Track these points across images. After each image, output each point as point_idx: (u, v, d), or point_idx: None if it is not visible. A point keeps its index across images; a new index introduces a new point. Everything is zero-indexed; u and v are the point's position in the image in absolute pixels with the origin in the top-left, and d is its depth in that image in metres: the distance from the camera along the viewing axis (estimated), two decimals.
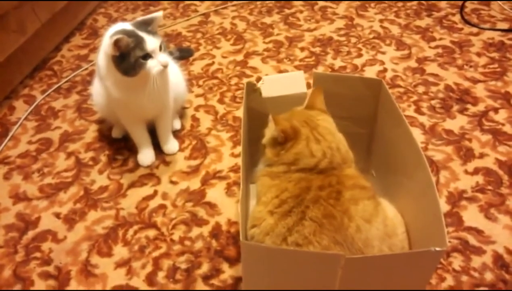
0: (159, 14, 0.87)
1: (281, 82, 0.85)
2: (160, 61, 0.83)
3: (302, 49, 1.37)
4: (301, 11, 1.58)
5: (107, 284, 0.77)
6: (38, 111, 1.20)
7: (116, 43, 0.79)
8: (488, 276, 0.75)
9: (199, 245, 0.83)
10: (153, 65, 0.83)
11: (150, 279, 0.78)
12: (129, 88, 0.87)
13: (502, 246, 0.79)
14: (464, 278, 0.75)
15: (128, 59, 0.81)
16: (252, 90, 0.81)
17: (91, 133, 1.12)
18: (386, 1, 1.59)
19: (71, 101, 1.23)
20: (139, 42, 0.81)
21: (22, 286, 0.78)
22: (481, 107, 1.09)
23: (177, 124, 1.10)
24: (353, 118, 0.80)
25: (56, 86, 1.29)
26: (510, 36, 1.35)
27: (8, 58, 1.20)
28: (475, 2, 1.55)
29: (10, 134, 1.12)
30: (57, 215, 0.91)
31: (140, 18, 0.87)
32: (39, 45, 1.36)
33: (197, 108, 1.17)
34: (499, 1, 1.52)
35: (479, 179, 0.91)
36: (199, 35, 1.48)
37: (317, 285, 0.55)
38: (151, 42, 0.82)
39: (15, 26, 1.23)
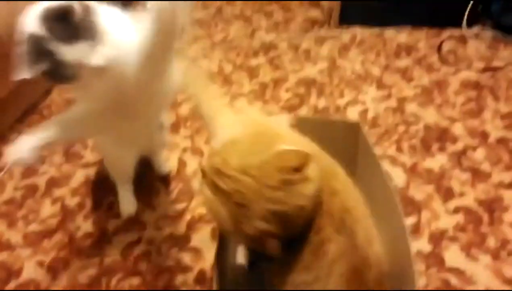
0: None
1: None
2: None
3: (286, 90, 1.42)
4: (286, 54, 1.64)
5: None
6: None
7: None
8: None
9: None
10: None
11: None
12: None
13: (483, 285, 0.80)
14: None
15: None
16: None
17: (78, 178, 1.12)
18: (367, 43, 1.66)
19: (58, 146, 1.24)
20: None
21: None
22: (459, 145, 1.13)
23: (165, 167, 1.11)
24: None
25: None
26: (486, 75, 1.41)
27: None
28: (452, 41, 1.62)
29: None
30: (41, 264, 0.90)
31: None
32: (30, 89, 1.38)
33: (184, 150, 1.19)
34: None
35: (460, 218, 0.93)
36: None
37: None
38: None
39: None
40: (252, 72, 1.52)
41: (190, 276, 0.85)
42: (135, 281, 0.85)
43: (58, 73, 0.65)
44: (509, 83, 1.36)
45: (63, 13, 0.62)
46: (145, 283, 0.84)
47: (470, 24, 1.68)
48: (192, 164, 1.14)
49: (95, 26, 0.64)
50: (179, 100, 1.39)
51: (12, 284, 0.86)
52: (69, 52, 0.62)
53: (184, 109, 1.35)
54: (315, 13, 1.90)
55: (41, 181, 1.12)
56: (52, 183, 1.11)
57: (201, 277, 0.85)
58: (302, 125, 0.83)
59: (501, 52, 1.53)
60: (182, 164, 1.14)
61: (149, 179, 1.10)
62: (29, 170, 1.16)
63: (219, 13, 1.97)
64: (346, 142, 0.84)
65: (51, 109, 1.41)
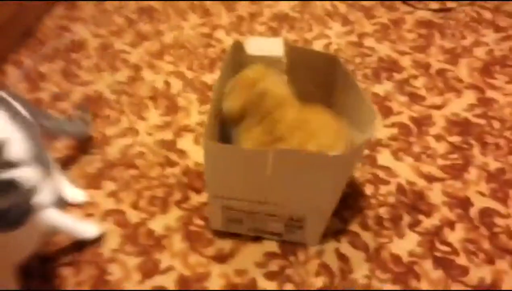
0: None
1: (263, 44, 1.01)
2: None
3: (261, 24, 1.57)
4: None
5: (99, 210, 0.99)
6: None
7: None
8: (391, 199, 1.00)
9: (172, 180, 1.05)
10: None
11: (135, 205, 0.99)
12: None
13: (403, 178, 1.05)
14: (373, 200, 1.00)
15: None
16: (239, 48, 0.96)
17: (77, 95, 1.29)
18: None
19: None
20: None
21: None
22: (404, 75, 1.33)
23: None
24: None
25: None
26: (438, 15, 1.59)
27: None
28: None
29: None
30: (55, 160, 1.10)
31: None
32: (23, 15, 1.50)
33: (168, 74, 1.36)
34: None
35: (394, 130, 1.16)
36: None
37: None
38: None
39: None
40: (230, 6, 1.66)
41: (177, 169, 1.07)
42: (132, 172, 1.06)
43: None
44: (457, 23, 1.55)
45: None
46: (141, 173, 1.06)
47: None
48: (176, 85, 1.31)
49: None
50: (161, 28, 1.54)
51: None
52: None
53: (168, 38, 1.50)
54: None
55: (44, 95, 1.28)
56: (55, 98, 1.28)
57: (186, 170, 1.07)
58: (290, 52, 0.98)
59: None
60: (167, 84, 1.32)
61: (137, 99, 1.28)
62: (34, 86, 1.31)
63: None
64: (325, 70, 0.95)
65: (45, 33, 1.53)
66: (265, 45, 1.01)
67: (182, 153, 1.11)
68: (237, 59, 0.97)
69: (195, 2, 1.68)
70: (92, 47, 1.46)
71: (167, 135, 1.16)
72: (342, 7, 1.65)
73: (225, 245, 0.93)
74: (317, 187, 0.80)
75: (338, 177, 0.80)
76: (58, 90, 1.30)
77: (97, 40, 1.49)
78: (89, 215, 0.98)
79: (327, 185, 0.80)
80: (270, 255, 0.91)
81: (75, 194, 1.00)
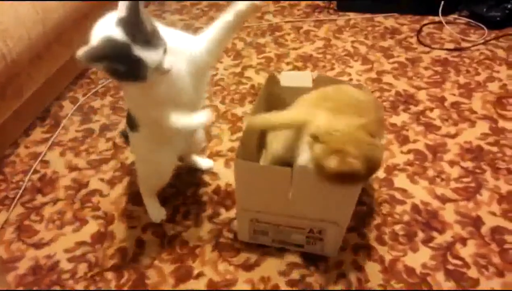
0: None
1: (294, 77, 1.15)
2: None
3: (287, 64, 1.73)
4: (289, 34, 1.94)
5: (141, 222, 1.11)
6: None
7: None
8: (406, 218, 1.08)
9: (205, 198, 1.17)
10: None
11: (170, 219, 1.11)
12: None
13: (418, 200, 1.12)
14: (389, 218, 1.08)
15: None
16: (274, 80, 1.11)
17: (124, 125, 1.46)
18: (358, 26, 1.95)
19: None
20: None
21: (80, 225, 1.12)
22: (420, 107, 1.43)
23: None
24: None
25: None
26: (453, 54, 1.70)
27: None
28: (431, 26, 1.91)
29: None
30: (102, 180, 1.25)
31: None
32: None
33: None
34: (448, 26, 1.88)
35: (410, 156, 1.25)
36: None
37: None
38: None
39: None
40: (260, 49, 1.84)
41: (210, 189, 1.19)
42: (170, 191, 1.19)
43: (134, 73, 0.73)
44: (471, 61, 1.66)
45: (138, 22, 0.71)
46: (178, 191, 1.18)
47: (449, 12, 1.96)
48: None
49: (160, 35, 0.75)
50: None
51: (83, 192, 1.21)
52: (150, 57, 0.73)
53: None
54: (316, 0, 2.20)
55: (95, 126, 1.46)
56: (104, 128, 1.45)
57: (217, 190, 1.19)
58: (319, 81, 1.11)
59: (471, 36, 1.82)
60: None
61: None
62: (86, 119, 1.50)
63: None
64: None
65: (97, 75, 1.75)
66: (296, 78, 1.14)
67: (214, 175, 1.24)
68: (271, 90, 1.11)
69: (228, 46, 1.87)
70: None
71: None
72: (362, 48, 1.80)
73: (252, 255, 1.02)
74: (334, 200, 0.89)
75: (352, 190, 0.90)
76: (107, 122, 1.48)
77: None
78: (133, 227, 1.11)
79: (343, 197, 0.89)
80: (293, 265, 1.00)
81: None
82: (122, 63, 0.72)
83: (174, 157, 1.04)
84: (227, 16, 0.83)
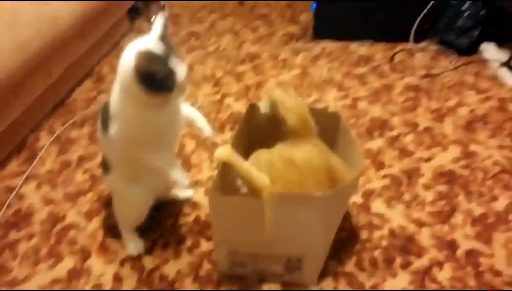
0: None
1: None
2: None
3: (266, 90, 1.76)
4: (267, 62, 1.99)
5: (117, 257, 1.10)
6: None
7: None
8: (384, 243, 1.09)
9: (184, 228, 1.16)
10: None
11: (149, 252, 1.10)
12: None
13: (396, 224, 1.14)
14: (368, 244, 1.09)
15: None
16: (254, 109, 1.11)
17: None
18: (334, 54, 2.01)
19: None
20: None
21: (55, 261, 1.09)
22: (395, 132, 1.48)
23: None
24: None
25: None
26: (425, 80, 1.77)
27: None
28: (403, 53, 1.98)
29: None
30: (79, 213, 1.23)
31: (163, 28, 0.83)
32: (56, 89, 1.72)
33: (183, 135, 1.52)
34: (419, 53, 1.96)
35: (386, 181, 1.28)
36: None
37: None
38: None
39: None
40: (239, 77, 1.87)
41: (189, 219, 1.19)
42: (148, 222, 1.17)
43: (166, 82, 0.80)
44: (442, 87, 1.72)
45: (168, 38, 0.82)
46: (157, 222, 1.17)
47: (420, 39, 2.05)
48: (189, 145, 1.47)
49: (178, 50, 0.84)
50: None
51: (59, 226, 1.19)
52: (180, 70, 0.82)
53: None
54: (293, 29, 2.27)
55: (73, 157, 1.45)
56: (82, 159, 1.44)
57: (197, 220, 1.18)
58: None
59: (441, 63, 1.90)
60: (182, 145, 1.48)
61: None
62: (63, 150, 1.48)
63: (212, 27, 2.33)
64: (328, 125, 1.09)
65: (76, 105, 1.74)
66: None
67: (194, 205, 1.24)
68: (252, 119, 1.13)
69: (208, 74, 1.89)
70: None
71: None
72: (337, 75, 1.85)
73: (232, 286, 1.01)
74: (311, 227, 0.90)
75: (328, 216, 0.91)
76: (85, 153, 1.47)
77: None
78: (110, 262, 1.09)
79: (319, 224, 0.90)
80: None
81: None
82: (162, 71, 0.79)
83: (150, 198, 1.05)
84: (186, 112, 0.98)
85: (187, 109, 0.98)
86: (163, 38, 0.81)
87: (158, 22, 0.82)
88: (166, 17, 0.83)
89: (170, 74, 0.80)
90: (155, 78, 0.78)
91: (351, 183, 0.93)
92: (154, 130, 0.88)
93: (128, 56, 0.80)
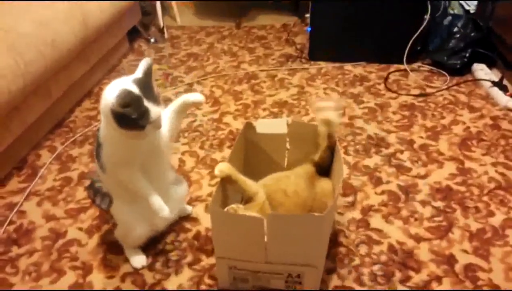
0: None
1: (270, 124, 1.22)
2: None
3: (264, 109, 1.80)
4: (265, 82, 2.03)
5: (119, 272, 1.10)
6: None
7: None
8: (383, 258, 1.10)
9: (185, 244, 1.17)
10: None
11: (150, 267, 1.10)
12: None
13: (394, 239, 1.16)
14: (367, 259, 1.10)
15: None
16: (250, 127, 1.16)
17: None
18: (329, 74, 2.06)
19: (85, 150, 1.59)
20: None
21: (57, 276, 1.09)
22: (391, 150, 1.51)
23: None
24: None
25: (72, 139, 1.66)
26: (419, 99, 1.81)
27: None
28: (397, 74, 2.04)
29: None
30: (80, 229, 1.23)
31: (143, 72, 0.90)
32: (57, 109, 1.74)
33: (183, 153, 1.54)
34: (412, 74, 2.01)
35: (384, 197, 1.30)
36: None
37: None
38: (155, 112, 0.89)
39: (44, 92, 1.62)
40: (237, 96, 1.91)
41: (190, 235, 1.19)
42: (150, 238, 1.18)
43: (141, 121, 0.87)
44: (436, 106, 1.77)
45: (149, 83, 0.90)
46: (158, 238, 1.18)
47: (412, 60, 2.11)
48: (189, 162, 1.49)
49: (156, 94, 0.91)
50: None
51: (60, 242, 1.19)
52: (154, 110, 0.88)
53: (182, 124, 1.72)
54: (289, 50, 2.33)
55: (73, 174, 1.46)
56: (83, 176, 1.45)
57: (198, 235, 1.19)
58: (293, 125, 1.18)
59: (434, 82, 1.95)
60: (182, 162, 1.50)
61: None
62: (64, 167, 1.50)
63: (211, 49, 2.38)
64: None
65: (76, 124, 1.76)
66: (271, 125, 1.21)
67: (194, 220, 1.25)
68: (248, 137, 1.16)
69: (207, 94, 1.93)
70: None
71: None
72: (334, 94, 1.89)
73: None
74: (308, 244, 0.92)
75: (322, 233, 0.93)
76: (86, 170, 1.48)
77: None
78: (111, 277, 1.09)
79: (315, 241, 0.92)
80: None
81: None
82: (135, 112, 0.86)
83: (150, 220, 1.09)
84: (176, 102, 1.02)
85: (176, 102, 1.03)
86: (143, 80, 0.89)
87: (142, 64, 0.91)
88: (150, 62, 0.91)
89: (143, 114, 0.87)
90: (129, 118, 0.86)
91: (337, 197, 0.98)
92: (134, 153, 0.97)
93: (108, 94, 0.87)
